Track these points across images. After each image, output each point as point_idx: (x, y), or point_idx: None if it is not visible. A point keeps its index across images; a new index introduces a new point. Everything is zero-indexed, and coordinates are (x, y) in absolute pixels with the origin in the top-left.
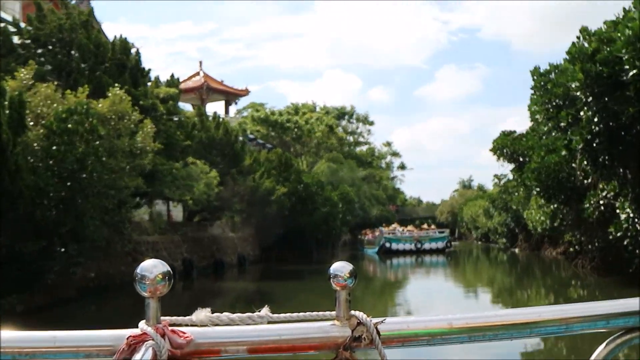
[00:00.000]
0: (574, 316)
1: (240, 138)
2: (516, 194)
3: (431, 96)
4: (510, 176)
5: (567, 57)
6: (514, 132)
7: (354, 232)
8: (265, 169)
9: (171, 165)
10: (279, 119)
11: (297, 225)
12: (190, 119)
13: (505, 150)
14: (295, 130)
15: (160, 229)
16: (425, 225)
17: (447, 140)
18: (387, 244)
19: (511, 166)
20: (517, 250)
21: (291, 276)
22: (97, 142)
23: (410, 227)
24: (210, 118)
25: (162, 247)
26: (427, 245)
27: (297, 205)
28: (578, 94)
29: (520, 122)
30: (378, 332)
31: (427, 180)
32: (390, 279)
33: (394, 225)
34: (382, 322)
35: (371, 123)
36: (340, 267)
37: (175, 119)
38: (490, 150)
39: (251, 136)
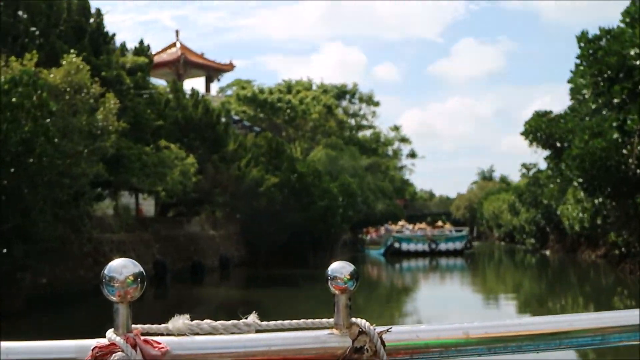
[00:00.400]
0: (611, 325)
1: (223, 119)
2: (550, 185)
3: (446, 74)
4: (542, 165)
5: (624, 19)
6: (550, 112)
7: (356, 230)
8: (253, 156)
9: (140, 149)
10: (269, 98)
11: (290, 222)
12: (164, 95)
13: (539, 134)
14: (288, 111)
15: (127, 225)
16: (439, 223)
17: (464, 124)
18: (396, 244)
19: (546, 153)
20: (547, 252)
21: (282, 282)
22: (48, 120)
23: (422, 225)
24: (188, 95)
25: (130, 247)
26: (442, 246)
27: (290, 199)
28: (637, 63)
29: (550, 103)
30: (383, 343)
31: (440, 171)
32: (398, 286)
33: (401, 223)
34: (387, 331)
35: (376, 104)
36: (340, 268)
37: (146, 94)
38: (522, 134)
39: (236, 117)
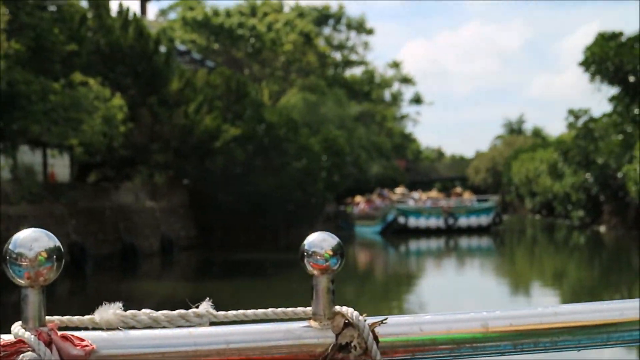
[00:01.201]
0: None
1: (164, 49)
2: (611, 137)
3: None
4: (597, 111)
5: None
6: (620, 34)
7: (343, 200)
8: (205, 99)
9: (44, 84)
10: (226, 23)
11: (255, 189)
12: (79, 11)
13: (604, 65)
14: (252, 40)
15: (31, 194)
16: (457, 189)
17: (484, 60)
18: (401, 219)
19: (611, 91)
20: (602, 228)
21: (245, 271)
22: None
23: (433, 193)
24: (115, 14)
25: (35, 223)
26: (463, 221)
27: (255, 158)
28: None
29: (599, 30)
30: (376, 338)
31: (452, 123)
32: (406, 280)
33: (400, 190)
34: (382, 322)
35: (369, 31)
36: (319, 241)
37: (52, 7)
38: (581, 63)
39: (182, 48)
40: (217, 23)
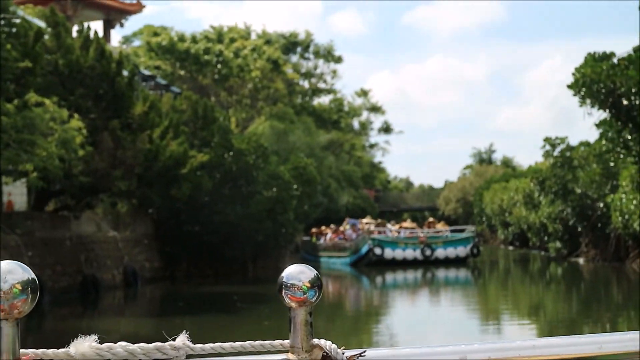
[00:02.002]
0: None
1: (127, 72)
2: (594, 165)
3: (428, 26)
4: (574, 139)
5: None
6: (612, 55)
7: (309, 231)
8: (171, 124)
9: None
10: (192, 49)
11: (223, 219)
12: (33, 27)
13: (595, 87)
14: (219, 67)
15: None
16: (431, 219)
17: (451, 91)
18: (377, 250)
19: (603, 115)
20: (580, 260)
21: (213, 305)
22: None
23: (407, 223)
24: (75, 33)
25: None
26: (440, 252)
27: (223, 187)
28: None
29: (562, 65)
30: None
31: (420, 154)
32: (383, 311)
33: (367, 220)
34: (360, 355)
35: (338, 59)
36: (297, 273)
37: (3, 19)
38: (569, 86)
39: (146, 72)
40: (182, 49)
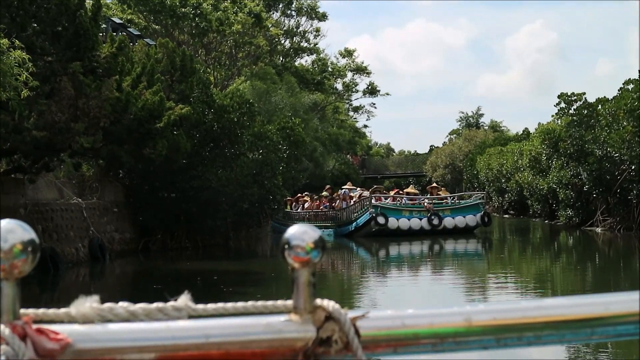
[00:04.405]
0: None
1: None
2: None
3: None
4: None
5: None
6: None
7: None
8: (145, 71)
9: None
10: (168, 0)
11: (203, 185)
12: None
13: None
14: (197, 20)
15: None
16: (434, 185)
17: (431, 57)
18: (380, 219)
19: None
20: (598, 229)
21: (191, 284)
22: None
23: (411, 189)
24: None
25: None
26: (449, 221)
27: (203, 147)
28: None
29: (541, 31)
30: (357, 332)
31: (399, 120)
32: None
33: (347, 186)
34: (363, 316)
35: (322, 16)
36: (300, 233)
37: None
38: None
39: (118, 20)
40: (157, 0)
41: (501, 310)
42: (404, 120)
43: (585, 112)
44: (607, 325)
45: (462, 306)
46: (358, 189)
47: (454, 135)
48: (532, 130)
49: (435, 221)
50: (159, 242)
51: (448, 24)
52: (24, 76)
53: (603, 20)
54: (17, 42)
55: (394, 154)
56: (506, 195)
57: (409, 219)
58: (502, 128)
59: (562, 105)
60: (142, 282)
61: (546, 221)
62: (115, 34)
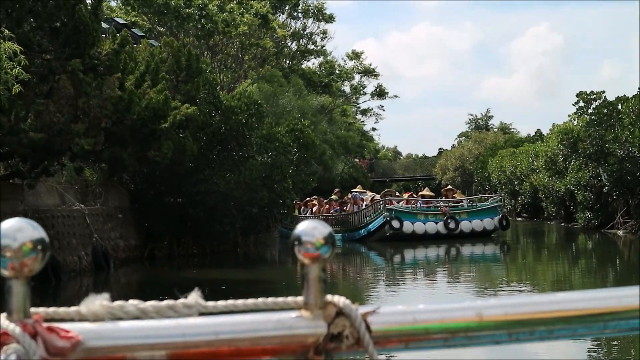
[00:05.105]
0: None
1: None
2: None
3: None
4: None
5: None
6: None
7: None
8: (149, 70)
9: None
10: (173, 1)
11: (211, 189)
12: None
13: None
14: (202, 21)
15: None
16: (449, 187)
17: (436, 61)
18: (395, 223)
19: None
20: (620, 232)
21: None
22: None
23: (426, 191)
24: None
25: None
26: (465, 225)
27: (211, 150)
28: None
29: (547, 34)
30: (368, 328)
31: (405, 124)
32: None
33: (354, 191)
34: (374, 312)
35: (330, 18)
36: (311, 229)
37: None
38: None
39: (121, 21)
40: (161, 1)
41: (513, 305)
42: (411, 124)
43: (605, 111)
44: (620, 319)
45: (473, 301)
46: (368, 192)
47: (463, 137)
48: (544, 131)
49: (452, 225)
50: (165, 249)
51: (453, 27)
52: (16, 70)
53: (607, 21)
54: (6, 31)
55: (402, 157)
56: (519, 198)
57: (424, 223)
58: (512, 130)
59: (581, 104)
60: (147, 291)
61: (562, 224)
62: (118, 34)
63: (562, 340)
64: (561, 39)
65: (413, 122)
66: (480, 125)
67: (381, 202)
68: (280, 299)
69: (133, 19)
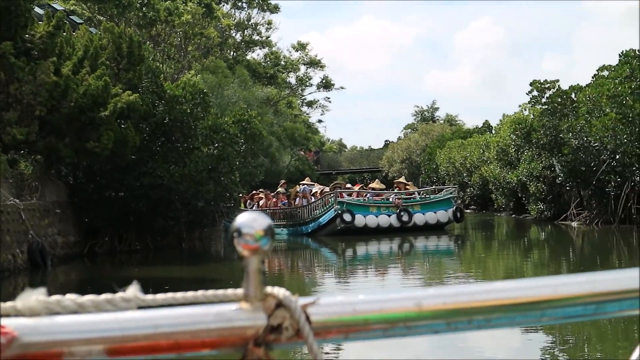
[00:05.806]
0: (608, 290)
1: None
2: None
3: None
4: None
5: None
6: None
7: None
8: (86, 56)
9: None
10: None
11: (154, 182)
12: None
13: None
14: (144, 9)
15: None
16: (401, 179)
17: (380, 54)
18: (347, 216)
19: None
20: (574, 223)
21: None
22: None
23: (376, 184)
24: None
25: None
26: (418, 218)
27: (154, 142)
28: None
29: (490, 28)
30: (308, 319)
31: (349, 117)
32: None
33: (303, 184)
34: (314, 303)
35: (275, 8)
36: (250, 221)
37: None
38: None
39: (58, 7)
40: None
41: (451, 294)
42: (356, 117)
43: (560, 100)
44: (557, 307)
45: (412, 291)
46: (316, 184)
47: (410, 129)
48: (493, 123)
49: (405, 217)
50: (106, 245)
51: (396, 20)
52: None
53: (548, 16)
54: None
55: (347, 149)
56: (468, 190)
57: (376, 216)
58: (458, 122)
59: (535, 93)
60: (87, 290)
61: (512, 215)
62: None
63: (500, 329)
64: (503, 32)
65: (358, 116)
66: (426, 117)
67: (332, 195)
68: (220, 292)
69: (72, 8)
